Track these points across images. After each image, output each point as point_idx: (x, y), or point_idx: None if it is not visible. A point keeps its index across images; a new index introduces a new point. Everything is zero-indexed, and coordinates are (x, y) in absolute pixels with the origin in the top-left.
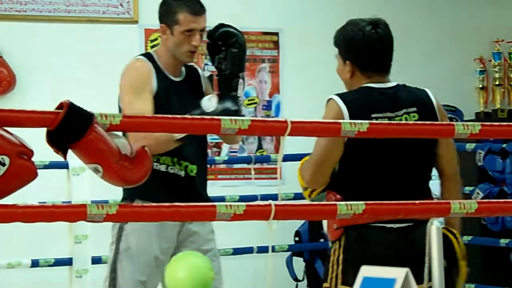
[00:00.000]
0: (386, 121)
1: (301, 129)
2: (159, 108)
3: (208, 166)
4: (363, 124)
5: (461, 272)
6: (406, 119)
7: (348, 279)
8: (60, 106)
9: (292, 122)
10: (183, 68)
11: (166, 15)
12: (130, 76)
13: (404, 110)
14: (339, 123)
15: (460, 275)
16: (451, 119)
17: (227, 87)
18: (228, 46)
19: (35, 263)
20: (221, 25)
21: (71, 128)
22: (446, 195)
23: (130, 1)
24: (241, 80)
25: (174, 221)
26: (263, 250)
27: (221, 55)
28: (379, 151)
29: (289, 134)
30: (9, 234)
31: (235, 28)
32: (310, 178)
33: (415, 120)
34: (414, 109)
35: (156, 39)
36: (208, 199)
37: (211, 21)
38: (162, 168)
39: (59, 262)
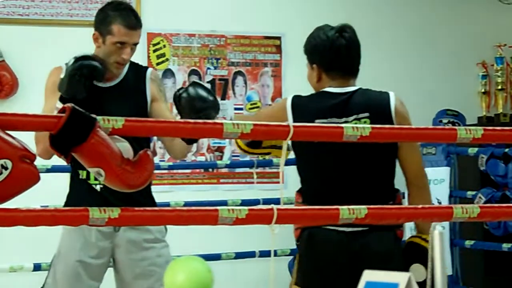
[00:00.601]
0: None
1: (303, 133)
2: None
3: (211, 170)
4: (365, 129)
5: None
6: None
7: (299, 278)
8: (63, 110)
9: (294, 127)
10: (123, 73)
11: (101, 23)
12: (46, 82)
13: (355, 116)
14: (341, 128)
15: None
16: (453, 123)
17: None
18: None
19: (37, 267)
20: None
21: (73, 132)
22: (410, 199)
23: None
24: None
25: (176, 225)
26: (265, 254)
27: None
28: (330, 153)
29: (291, 139)
30: (11, 238)
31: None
32: None
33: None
34: (366, 114)
35: (158, 43)
36: (149, 202)
37: (213, 25)
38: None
39: None
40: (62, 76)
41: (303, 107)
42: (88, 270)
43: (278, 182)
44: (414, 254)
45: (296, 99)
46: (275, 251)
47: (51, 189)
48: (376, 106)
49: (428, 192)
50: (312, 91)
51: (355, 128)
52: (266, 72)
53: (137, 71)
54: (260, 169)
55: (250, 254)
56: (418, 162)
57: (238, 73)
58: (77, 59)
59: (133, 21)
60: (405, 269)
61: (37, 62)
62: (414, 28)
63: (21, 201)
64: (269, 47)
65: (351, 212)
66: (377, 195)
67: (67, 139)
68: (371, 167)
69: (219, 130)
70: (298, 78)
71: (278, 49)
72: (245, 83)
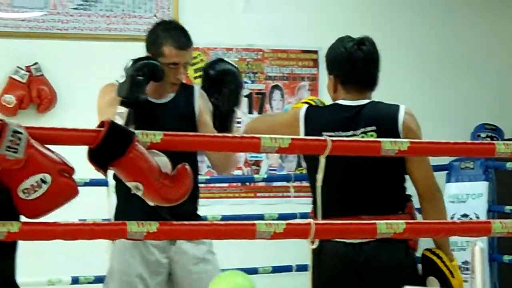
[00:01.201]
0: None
1: (340, 147)
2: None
3: (248, 184)
4: (403, 143)
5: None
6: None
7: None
8: (101, 125)
9: (332, 141)
10: (175, 93)
11: (152, 45)
12: (99, 98)
13: (362, 129)
14: (379, 142)
15: None
16: (491, 138)
17: (223, 120)
18: (225, 84)
19: (75, 280)
20: (217, 61)
21: (112, 146)
22: (422, 213)
23: (170, 19)
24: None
25: (214, 239)
26: (302, 268)
27: (217, 94)
28: (337, 167)
29: (329, 153)
30: (49, 251)
31: (231, 64)
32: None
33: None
34: (373, 128)
35: (195, 57)
36: (193, 217)
37: (250, 39)
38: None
39: (99, 279)
40: (121, 80)
41: (315, 119)
42: (146, 286)
43: None
44: (429, 267)
45: (311, 110)
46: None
47: (90, 203)
48: (383, 119)
49: (441, 204)
50: None
51: (393, 143)
52: (303, 86)
53: (186, 89)
54: (297, 183)
55: (287, 268)
56: (426, 175)
57: (275, 87)
58: (136, 61)
59: (183, 41)
60: (420, 280)
61: (76, 76)
62: (451, 42)
63: (59, 215)
64: (306, 61)
65: (389, 227)
66: (386, 206)
67: (106, 153)
68: (379, 178)
69: (256, 145)
70: None
71: (315, 63)
72: (282, 97)
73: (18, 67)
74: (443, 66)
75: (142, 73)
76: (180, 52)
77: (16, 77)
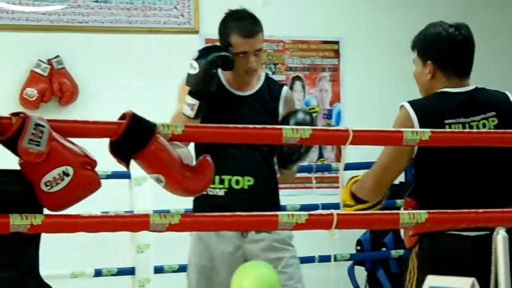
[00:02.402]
0: (460, 127)
1: (362, 138)
2: (211, 118)
3: None
4: (425, 133)
5: None
6: (484, 124)
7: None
8: (123, 117)
9: (353, 131)
10: (260, 84)
11: (221, 36)
12: (179, 89)
13: (482, 115)
14: (401, 132)
15: None
16: None
17: (285, 162)
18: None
19: (98, 273)
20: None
21: (133, 138)
22: None
23: (190, 11)
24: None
25: (236, 230)
26: (325, 259)
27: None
28: (454, 159)
29: (351, 143)
30: (72, 244)
31: (311, 117)
32: (372, 187)
33: (494, 125)
34: (493, 113)
35: None
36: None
37: (271, 30)
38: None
39: (122, 272)
40: (192, 72)
41: (426, 109)
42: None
43: (337, 187)
44: None
45: (416, 103)
46: (334, 256)
47: (112, 195)
48: (501, 105)
49: None
50: (373, 94)
51: (415, 133)
52: (324, 77)
53: (273, 87)
54: (319, 174)
55: (310, 259)
56: None
57: (296, 78)
58: (206, 52)
59: (249, 29)
60: None
61: (97, 69)
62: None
63: (82, 207)
64: (327, 52)
65: (412, 217)
66: (495, 200)
67: (127, 145)
68: (493, 172)
69: (278, 135)
70: (356, 83)
71: (336, 53)
72: (303, 88)
73: (40, 60)
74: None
75: (216, 65)
76: (247, 41)
77: (37, 70)
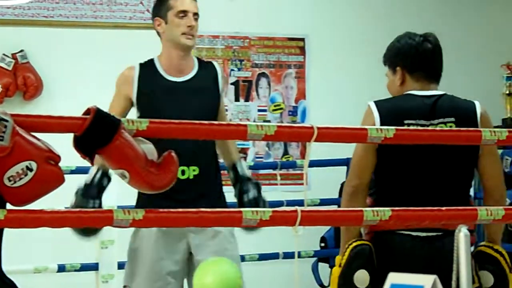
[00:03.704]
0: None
1: (327, 135)
2: (145, 108)
3: None
4: (389, 130)
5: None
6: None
7: (373, 284)
8: (87, 112)
9: (318, 128)
10: (195, 69)
11: (159, 6)
12: (116, 79)
13: (441, 120)
14: (366, 129)
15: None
16: None
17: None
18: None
19: (61, 268)
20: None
21: (98, 133)
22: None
23: None
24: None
25: (200, 226)
26: (289, 256)
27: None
28: (412, 158)
29: (315, 140)
30: (36, 239)
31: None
32: (350, 184)
33: None
34: (452, 119)
35: None
36: (220, 200)
37: (237, 26)
38: None
39: (85, 267)
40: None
41: (389, 109)
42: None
43: (301, 184)
44: (483, 261)
45: (381, 102)
46: (298, 252)
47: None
48: (462, 111)
49: (504, 204)
50: (339, 91)
51: (379, 130)
52: (289, 73)
53: (208, 68)
54: (283, 171)
55: (274, 256)
56: (498, 173)
57: (262, 74)
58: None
59: None
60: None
61: (62, 63)
62: (437, 30)
63: (46, 203)
64: (292, 49)
65: (375, 214)
66: (453, 200)
67: (92, 140)
68: (451, 172)
69: (243, 132)
70: (321, 80)
71: (302, 50)
72: (269, 84)
73: (4, 54)
74: None
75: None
76: (186, 0)
77: (1, 64)
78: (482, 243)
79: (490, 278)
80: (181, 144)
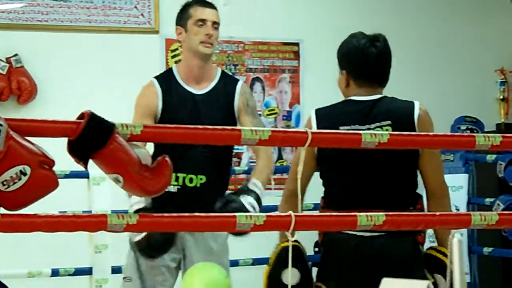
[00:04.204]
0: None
1: (321, 140)
2: (165, 121)
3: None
4: (383, 135)
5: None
6: None
7: (319, 279)
8: (81, 116)
9: (312, 133)
10: (215, 82)
11: (180, 15)
12: (137, 100)
13: (377, 124)
14: (359, 134)
15: None
16: (472, 130)
17: None
18: None
19: (55, 272)
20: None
21: (92, 138)
22: (429, 209)
23: (151, 11)
24: None
25: (194, 231)
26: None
27: None
28: (350, 162)
29: (310, 145)
30: (30, 243)
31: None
32: (287, 187)
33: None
34: (388, 122)
35: (176, 49)
36: None
37: (231, 31)
38: None
39: (79, 272)
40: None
41: (327, 115)
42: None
43: None
44: (433, 264)
45: (320, 110)
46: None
47: (70, 195)
48: (398, 114)
49: (449, 201)
50: (333, 96)
51: (373, 135)
52: (284, 78)
53: (228, 82)
54: (277, 175)
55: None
56: (438, 172)
57: (256, 79)
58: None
59: (208, 2)
60: (425, 275)
61: (56, 68)
62: (431, 36)
63: (39, 207)
64: (287, 53)
65: (369, 219)
66: (397, 201)
67: (86, 145)
68: (392, 173)
69: (237, 137)
70: (316, 84)
71: (296, 55)
72: (263, 89)
73: None
74: (425, 59)
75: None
76: (205, 9)
77: None
78: (432, 246)
79: (443, 281)
80: (190, 152)
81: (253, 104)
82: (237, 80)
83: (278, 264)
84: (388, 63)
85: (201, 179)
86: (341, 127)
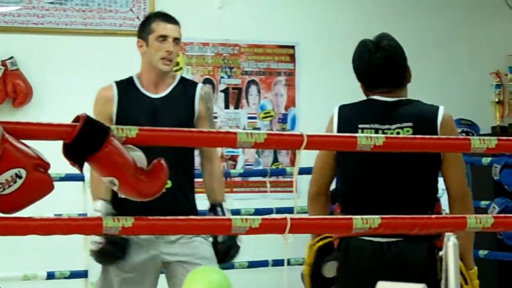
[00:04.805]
0: (373, 133)
1: (317, 142)
2: (128, 122)
3: (224, 179)
4: (379, 138)
5: None
6: (398, 133)
7: (337, 284)
8: (77, 119)
9: (308, 136)
10: (173, 85)
11: (142, 28)
12: (94, 104)
13: (398, 125)
14: (355, 137)
15: None
16: (467, 133)
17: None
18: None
19: (50, 275)
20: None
21: (87, 141)
22: (452, 213)
23: (146, 13)
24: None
25: (190, 234)
26: (278, 263)
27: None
28: (370, 165)
29: (305, 148)
30: (25, 246)
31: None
32: (310, 190)
33: (408, 135)
34: (410, 124)
35: None
36: (191, 213)
37: (227, 34)
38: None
39: (74, 275)
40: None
41: (348, 114)
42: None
43: (291, 191)
44: None
45: (343, 107)
46: (288, 260)
47: (65, 198)
48: (422, 116)
49: (471, 205)
50: (328, 99)
51: (369, 138)
52: (279, 81)
53: (187, 86)
54: (273, 178)
55: (263, 263)
56: (460, 178)
57: (252, 82)
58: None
59: (169, 17)
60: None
61: (51, 70)
62: (427, 38)
63: (35, 210)
64: (282, 56)
65: (364, 222)
66: (416, 205)
67: (81, 148)
68: (411, 177)
69: (233, 139)
70: (311, 87)
71: (292, 58)
72: (259, 92)
73: None
74: (420, 61)
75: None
76: (167, 25)
77: None
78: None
79: None
80: (154, 156)
81: (212, 108)
82: (197, 83)
83: (319, 260)
84: (397, 65)
85: (167, 183)
86: (360, 125)
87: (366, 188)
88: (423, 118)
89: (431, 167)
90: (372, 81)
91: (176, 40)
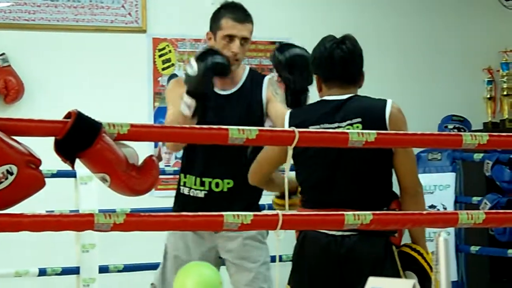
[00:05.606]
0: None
1: (308, 139)
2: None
3: None
4: (370, 134)
5: (434, 282)
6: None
7: (290, 278)
8: (68, 115)
9: (299, 132)
10: (243, 79)
11: (213, 21)
12: (170, 93)
13: (348, 122)
14: (347, 133)
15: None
16: (459, 129)
17: (295, 101)
18: (296, 66)
19: (42, 272)
20: (286, 46)
21: (79, 137)
22: (403, 208)
23: (138, 10)
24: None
25: (182, 230)
26: (270, 259)
27: (289, 76)
28: (322, 160)
29: (297, 144)
30: (16, 243)
31: (300, 48)
32: (252, 176)
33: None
34: (359, 119)
35: (164, 48)
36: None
37: None
38: (185, 191)
39: (66, 271)
40: (191, 72)
41: (298, 116)
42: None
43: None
44: (405, 262)
45: (293, 111)
46: (280, 256)
47: (57, 194)
48: (369, 111)
49: (422, 199)
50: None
51: (361, 134)
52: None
53: (255, 79)
54: None
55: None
56: (411, 170)
57: None
58: (206, 55)
59: (241, 15)
60: (397, 276)
61: (43, 67)
62: (419, 34)
63: (26, 206)
64: None
65: (356, 218)
66: (370, 200)
67: (73, 144)
68: (365, 172)
69: (224, 136)
70: None
71: None
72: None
73: None
74: (412, 58)
75: (213, 72)
76: (236, 25)
77: None
78: (406, 243)
79: (414, 277)
80: (215, 156)
81: (281, 93)
82: (264, 76)
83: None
84: (356, 63)
85: (228, 183)
86: (310, 127)
87: (321, 183)
88: (371, 112)
89: (383, 161)
90: (330, 72)
91: (244, 39)
